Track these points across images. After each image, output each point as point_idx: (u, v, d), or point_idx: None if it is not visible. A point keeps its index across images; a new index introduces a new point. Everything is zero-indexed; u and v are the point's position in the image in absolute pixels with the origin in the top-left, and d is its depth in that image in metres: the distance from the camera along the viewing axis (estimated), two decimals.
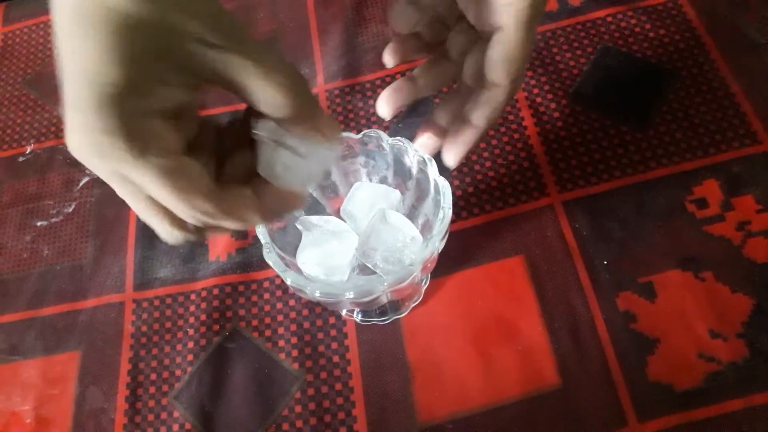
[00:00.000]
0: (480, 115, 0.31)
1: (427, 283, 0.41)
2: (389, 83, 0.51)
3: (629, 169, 0.44)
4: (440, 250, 0.34)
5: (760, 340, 0.37)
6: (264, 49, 0.24)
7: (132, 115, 0.22)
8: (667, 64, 0.48)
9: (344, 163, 0.39)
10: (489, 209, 0.44)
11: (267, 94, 0.24)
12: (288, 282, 0.32)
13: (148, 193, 0.23)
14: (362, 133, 0.36)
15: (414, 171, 0.38)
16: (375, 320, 0.41)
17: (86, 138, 0.22)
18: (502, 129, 0.47)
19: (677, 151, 0.44)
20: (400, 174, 0.39)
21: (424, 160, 0.36)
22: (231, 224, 0.25)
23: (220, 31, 0.22)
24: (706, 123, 0.45)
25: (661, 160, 0.44)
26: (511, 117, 0.47)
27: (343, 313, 0.42)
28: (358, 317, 0.41)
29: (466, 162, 0.46)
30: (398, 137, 0.36)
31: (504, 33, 0.28)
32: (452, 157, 0.32)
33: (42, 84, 0.57)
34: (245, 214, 0.26)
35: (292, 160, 0.26)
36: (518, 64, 0.29)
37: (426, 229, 0.38)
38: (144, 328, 0.43)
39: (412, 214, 0.40)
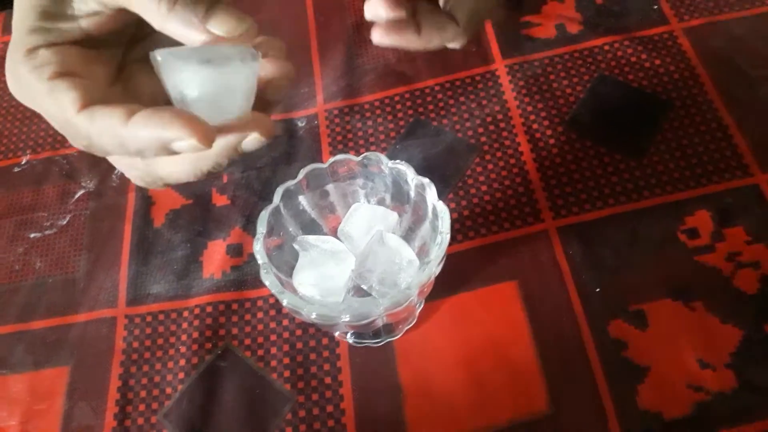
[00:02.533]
0: (427, 32, 0.31)
1: (421, 306, 0.42)
2: (388, 104, 0.51)
3: (623, 198, 0.44)
4: (437, 274, 0.34)
5: (749, 371, 0.37)
6: None
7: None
8: (662, 94, 0.48)
9: (343, 184, 0.39)
10: (484, 233, 0.44)
11: None
12: (284, 303, 0.32)
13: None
14: (362, 155, 0.37)
15: (412, 194, 0.38)
16: (368, 342, 0.41)
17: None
18: (498, 153, 0.48)
19: (670, 181, 0.44)
20: (399, 197, 0.39)
21: (422, 184, 0.36)
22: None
23: None
24: (699, 154, 0.45)
25: (654, 189, 0.44)
26: (507, 142, 0.48)
27: (337, 334, 0.42)
28: (351, 339, 0.41)
29: (462, 185, 0.47)
30: (398, 160, 0.37)
31: None
32: (378, 36, 0.32)
33: None
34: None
35: (205, 81, 0.23)
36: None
37: (422, 253, 0.39)
38: (135, 345, 0.43)
39: (409, 237, 0.40)
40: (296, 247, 0.38)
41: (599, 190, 0.45)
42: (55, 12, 0.25)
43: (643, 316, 0.40)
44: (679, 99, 0.48)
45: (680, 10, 0.53)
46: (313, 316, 0.32)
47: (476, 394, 0.39)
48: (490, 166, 0.47)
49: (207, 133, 0.22)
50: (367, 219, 0.39)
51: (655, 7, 0.53)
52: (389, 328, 0.41)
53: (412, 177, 0.36)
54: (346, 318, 0.32)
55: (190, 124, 0.22)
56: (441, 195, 0.45)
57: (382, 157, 0.36)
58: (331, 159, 0.37)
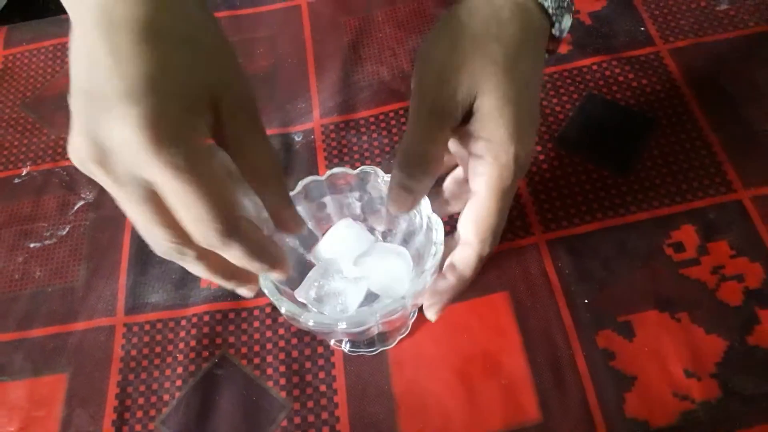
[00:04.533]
0: (452, 271, 0.34)
1: (415, 315, 0.43)
2: (383, 120, 0.53)
3: (610, 212, 0.46)
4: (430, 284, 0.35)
5: (733, 380, 0.39)
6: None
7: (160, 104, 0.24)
8: (648, 112, 0.50)
9: (339, 196, 0.40)
10: None
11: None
12: (282, 310, 0.33)
13: (163, 194, 0.24)
14: (359, 168, 0.38)
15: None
16: (363, 351, 0.42)
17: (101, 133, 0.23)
18: None
19: (656, 196, 0.46)
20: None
21: None
22: (241, 254, 0.27)
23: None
24: (684, 170, 0.47)
25: (641, 204, 0.46)
26: None
27: (332, 342, 0.43)
28: (346, 347, 0.42)
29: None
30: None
31: (477, 198, 0.32)
32: (431, 312, 0.36)
33: (40, 107, 0.58)
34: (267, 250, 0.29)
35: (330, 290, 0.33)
36: (487, 227, 0.33)
37: (416, 263, 0.40)
38: (133, 353, 0.44)
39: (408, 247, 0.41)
40: (311, 258, 0.39)
41: (588, 205, 0.46)
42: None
43: (630, 326, 0.41)
44: (665, 117, 0.50)
45: (666, 32, 0.54)
46: (311, 323, 0.32)
47: (468, 402, 0.40)
48: None
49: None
50: (339, 241, 0.40)
51: (642, 29, 0.55)
52: (383, 337, 0.41)
53: None
54: (342, 326, 0.32)
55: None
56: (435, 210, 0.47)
57: (378, 170, 0.38)
58: (329, 171, 0.38)
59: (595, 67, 0.53)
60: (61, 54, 0.62)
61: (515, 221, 0.46)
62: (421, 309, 0.42)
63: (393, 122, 0.53)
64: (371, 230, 0.41)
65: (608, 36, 0.55)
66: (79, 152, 0.24)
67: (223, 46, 0.28)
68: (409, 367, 0.41)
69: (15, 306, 0.47)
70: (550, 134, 0.50)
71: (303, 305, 0.36)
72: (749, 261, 0.42)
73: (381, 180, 0.38)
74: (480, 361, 0.41)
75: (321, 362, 0.42)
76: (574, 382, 0.39)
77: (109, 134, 0.23)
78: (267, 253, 0.29)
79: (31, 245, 0.50)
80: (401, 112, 0.53)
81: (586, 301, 0.42)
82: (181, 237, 0.26)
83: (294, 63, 0.58)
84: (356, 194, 0.40)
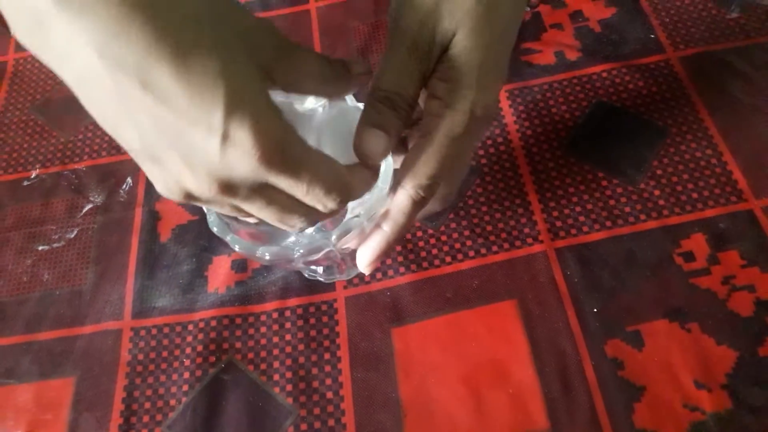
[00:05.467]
0: (384, 217, 0.32)
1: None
2: None
3: (620, 221, 0.45)
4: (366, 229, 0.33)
5: (743, 391, 0.38)
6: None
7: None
8: (659, 120, 0.50)
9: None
10: (484, 252, 0.45)
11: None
12: (236, 248, 0.33)
13: (284, 190, 0.25)
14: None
15: None
16: (317, 276, 0.43)
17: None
18: (499, 176, 0.49)
19: (666, 205, 0.46)
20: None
21: None
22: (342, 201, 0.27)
23: None
24: (694, 179, 0.47)
25: (650, 213, 0.45)
26: (507, 164, 0.49)
27: (306, 274, 0.44)
28: (306, 273, 0.43)
29: (463, 205, 0.48)
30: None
31: (422, 141, 0.30)
32: (363, 263, 0.33)
33: (50, 110, 0.59)
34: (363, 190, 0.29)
35: None
36: (425, 171, 0.30)
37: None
38: (140, 357, 0.44)
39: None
40: None
41: (597, 213, 0.46)
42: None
43: (639, 336, 0.41)
44: (675, 125, 0.49)
45: (676, 39, 0.54)
46: (267, 257, 0.32)
47: (476, 410, 0.40)
48: (491, 188, 0.48)
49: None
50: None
51: (652, 36, 0.55)
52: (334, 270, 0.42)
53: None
54: (265, 256, 0.32)
55: None
56: (441, 215, 0.47)
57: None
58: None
59: (605, 75, 0.53)
60: None
61: (524, 228, 0.46)
62: (428, 314, 0.42)
63: None
64: None
65: (618, 43, 0.55)
66: (194, 190, 0.24)
67: (242, 13, 0.26)
68: (416, 374, 0.41)
69: (23, 309, 0.47)
70: (560, 141, 0.50)
71: (256, 240, 0.35)
72: (760, 271, 0.42)
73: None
74: (488, 369, 0.41)
75: (328, 368, 0.42)
76: (582, 392, 0.39)
77: (222, 168, 0.23)
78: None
79: (40, 248, 0.50)
80: None
81: (595, 309, 0.42)
82: (308, 214, 0.27)
83: None
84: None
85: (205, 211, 0.34)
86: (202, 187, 0.24)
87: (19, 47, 0.64)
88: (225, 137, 0.22)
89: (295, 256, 0.32)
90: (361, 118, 0.30)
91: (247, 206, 0.26)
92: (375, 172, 0.30)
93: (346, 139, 0.30)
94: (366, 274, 0.34)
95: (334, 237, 0.32)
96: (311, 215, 0.27)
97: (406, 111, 0.30)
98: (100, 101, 0.22)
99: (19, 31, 0.21)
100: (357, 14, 0.61)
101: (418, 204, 0.31)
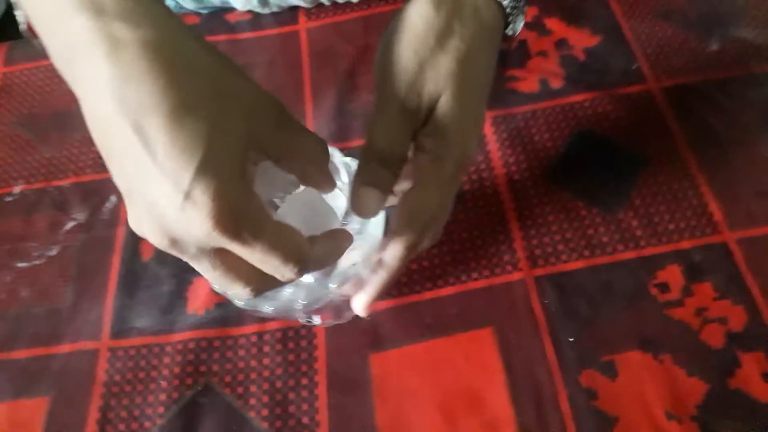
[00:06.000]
0: (380, 263, 0.34)
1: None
2: None
3: (598, 250, 0.46)
4: (364, 275, 0.35)
5: (713, 423, 0.39)
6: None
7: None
8: (638, 150, 0.51)
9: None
10: (464, 279, 0.46)
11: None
12: (239, 304, 0.34)
13: (238, 254, 0.25)
14: None
15: None
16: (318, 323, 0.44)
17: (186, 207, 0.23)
18: (480, 202, 0.49)
19: (643, 236, 0.46)
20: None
21: None
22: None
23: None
24: (671, 210, 0.47)
25: (628, 243, 0.46)
26: (489, 191, 0.50)
27: (303, 321, 0.44)
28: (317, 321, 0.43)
29: (445, 231, 0.48)
30: (350, 157, 0.37)
31: (413, 190, 0.32)
32: (359, 306, 0.36)
33: (35, 125, 0.59)
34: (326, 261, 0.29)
35: None
36: (418, 218, 0.32)
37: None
38: (117, 377, 0.44)
39: (361, 232, 0.41)
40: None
41: (576, 242, 0.46)
42: None
43: (613, 366, 0.41)
44: (655, 156, 0.50)
45: (657, 70, 0.55)
46: (271, 309, 0.33)
47: None
48: (472, 214, 0.49)
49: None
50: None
51: (635, 66, 0.56)
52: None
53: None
54: (269, 310, 0.33)
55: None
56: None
57: (337, 151, 0.37)
58: None
59: (587, 104, 0.54)
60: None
61: (503, 255, 0.46)
62: (406, 343, 0.42)
63: None
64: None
65: (601, 72, 0.56)
66: (148, 237, 0.25)
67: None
68: (392, 401, 0.41)
69: None
70: (541, 169, 0.50)
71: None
72: (732, 303, 0.43)
73: (337, 159, 0.37)
74: (463, 397, 0.41)
75: (305, 393, 0.42)
76: (556, 421, 0.39)
77: (177, 226, 0.23)
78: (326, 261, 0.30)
79: (19, 265, 0.50)
80: None
81: (571, 339, 0.42)
82: (259, 283, 0.27)
83: (291, 89, 0.58)
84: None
85: None
86: (155, 237, 0.24)
87: (7, 61, 0.64)
88: (187, 197, 0.22)
89: (299, 307, 0.33)
90: (355, 177, 0.32)
91: (194, 264, 0.26)
92: (340, 244, 0.30)
93: (311, 210, 0.32)
94: (364, 317, 0.36)
95: (333, 286, 0.33)
96: (265, 282, 0.27)
97: (398, 168, 0.32)
98: (102, 132, 0.24)
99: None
100: (346, 36, 0.61)
101: (411, 249, 0.33)
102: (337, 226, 0.31)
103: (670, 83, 0.54)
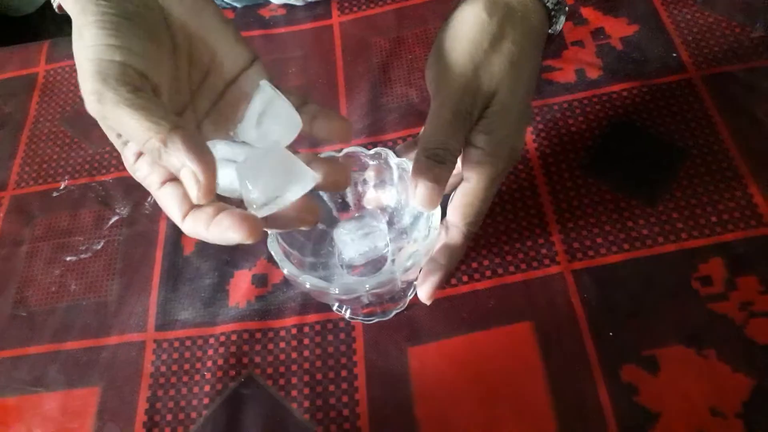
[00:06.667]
0: (442, 255, 0.38)
1: (413, 292, 0.45)
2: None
3: (638, 243, 0.45)
4: (422, 266, 0.39)
5: (759, 421, 0.38)
6: None
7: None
8: (679, 141, 0.50)
9: (354, 173, 0.43)
10: (501, 273, 0.46)
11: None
12: (284, 272, 0.36)
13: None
14: (373, 150, 0.40)
15: None
16: (360, 318, 0.45)
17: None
18: (517, 195, 0.49)
19: (685, 228, 0.46)
20: (403, 192, 0.42)
21: None
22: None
23: None
24: (713, 202, 0.46)
25: (668, 236, 0.45)
26: (525, 183, 0.50)
27: (334, 308, 0.45)
28: (346, 314, 0.45)
29: (481, 223, 0.48)
30: (404, 158, 0.40)
31: (468, 185, 0.36)
32: (423, 293, 0.39)
33: (79, 122, 0.60)
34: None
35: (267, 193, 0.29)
36: (475, 211, 0.36)
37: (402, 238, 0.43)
38: (163, 369, 0.45)
39: (409, 231, 0.43)
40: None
41: (615, 235, 0.46)
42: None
43: (655, 361, 0.41)
44: (696, 147, 0.49)
45: (698, 59, 0.54)
46: (308, 285, 0.35)
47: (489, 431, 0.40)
48: (509, 207, 0.49)
49: (257, 234, 0.27)
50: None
51: (674, 55, 0.55)
52: (383, 310, 0.45)
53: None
54: (335, 291, 0.35)
55: (245, 229, 0.26)
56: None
57: (390, 153, 0.40)
58: (344, 150, 0.40)
59: (625, 94, 0.53)
60: None
61: (541, 249, 0.46)
62: (445, 337, 0.43)
63: None
64: (382, 208, 0.44)
65: (639, 62, 0.55)
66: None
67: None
68: (432, 394, 0.42)
69: (51, 318, 0.49)
70: (578, 161, 0.50)
71: (302, 268, 0.39)
72: None
73: (393, 160, 0.40)
74: (503, 392, 0.41)
75: (344, 386, 0.43)
76: (596, 417, 0.39)
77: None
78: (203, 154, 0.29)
79: (68, 258, 0.52)
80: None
81: (611, 333, 0.42)
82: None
83: (324, 83, 0.59)
84: (370, 173, 0.42)
85: (269, 233, 0.36)
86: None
87: (50, 59, 0.65)
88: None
89: (330, 291, 0.35)
90: (414, 173, 0.34)
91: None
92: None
93: (280, 165, 0.30)
94: (427, 304, 0.40)
95: (368, 286, 0.35)
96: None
97: (453, 164, 0.34)
98: None
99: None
100: (379, 30, 0.61)
101: (468, 238, 0.38)
102: (308, 187, 0.30)
103: (711, 72, 0.53)
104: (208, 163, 0.26)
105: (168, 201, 0.28)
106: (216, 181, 0.27)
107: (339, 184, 0.32)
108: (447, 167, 0.34)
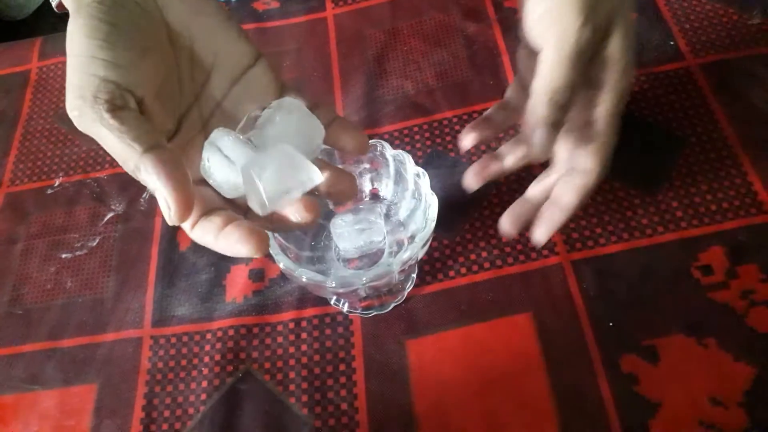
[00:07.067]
0: (572, 198, 0.37)
1: (412, 284, 0.45)
2: (407, 135, 0.53)
3: (637, 232, 0.45)
4: (420, 257, 0.38)
5: (760, 410, 0.38)
6: None
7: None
8: (678, 130, 0.49)
9: (350, 166, 0.43)
10: (499, 264, 0.45)
11: None
12: (281, 266, 0.36)
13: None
14: (369, 142, 0.39)
15: (411, 182, 0.41)
16: (358, 312, 0.45)
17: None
18: (515, 186, 0.49)
19: (684, 217, 0.45)
20: (400, 182, 0.43)
21: (419, 174, 0.40)
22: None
23: None
24: (713, 190, 0.46)
25: (668, 225, 0.45)
26: (523, 173, 0.49)
27: (332, 302, 0.45)
28: (344, 307, 0.45)
29: (479, 216, 0.48)
30: (399, 150, 0.40)
31: (597, 127, 0.35)
32: (543, 234, 0.38)
33: None
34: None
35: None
36: (607, 152, 0.36)
37: (412, 237, 0.43)
38: (160, 365, 0.45)
39: (406, 222, 0.43)
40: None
41: (614, 225, 0.46)
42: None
43: (655, 351, 0.40)
44: (694, 135, 0.49)
45: (696, 47, 0.53)
46: (304, 279, 0.35)
47: (489, 425, 0.40)
48: (506, 198, 0.48)
49: (265, 248, 0.27)
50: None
51: (672, 43, 0.54)
52: (380, 303, 0.45)
53: (410, 166, 0.40)
54: (331, 284, 0.35)
55: (253, 243, 0.27)
56: (457, 226, 0.47)
57: (387, 145, 0.40)
58: None
59: None
60: None
61: None
62: (443, 329, 0.42)
63: (417, 137, 0.53)
64: (378, 199, 0.44)
65: (637, 50, 0.54)
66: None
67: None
68: (430, 387, 0.41)
69: (47, 316, 0.48)
70: None
71: (299, 262, 0.39)
72: None
73: (388, 153, 0.41)
74: (502, 383, 0.41)
75: (342, 380, 0.43)
76: (597, 407, 0.39)
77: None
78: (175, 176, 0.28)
79: (63, 255, 0.51)
80: (425, 126, 0.54)
81: (611, 323, 0.42)
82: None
83: (319, 76, 0.58)
84: (366, 165, 0.42)
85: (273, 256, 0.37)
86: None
87: (42, 56, 0.65)
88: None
89: (327, 285, 0.35)
90: (529, 116, 0.34)
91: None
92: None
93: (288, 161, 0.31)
94: (540, 245, 0.39)
95: (365, 279, 0.35)
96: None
97: (569, 106, 0.34)
98: None
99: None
100: (373, 22, 0.61)
101: (599, 181, 0.36)
102: (315, 183, 0.30)
103: (709, 60, 0.53)
104: (179, 186, 0.26)
105: None
106: (191, 201, 0.26)
107: (346, 194, 0.33)
108: (562, 110, 0.33)
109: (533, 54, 0.34)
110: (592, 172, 0.36)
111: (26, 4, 1.06)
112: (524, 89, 0.37)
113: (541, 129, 0.33)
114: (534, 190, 0.40)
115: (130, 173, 0.27)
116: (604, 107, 0.35)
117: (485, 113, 0.40)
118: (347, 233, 0.40)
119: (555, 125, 0.33)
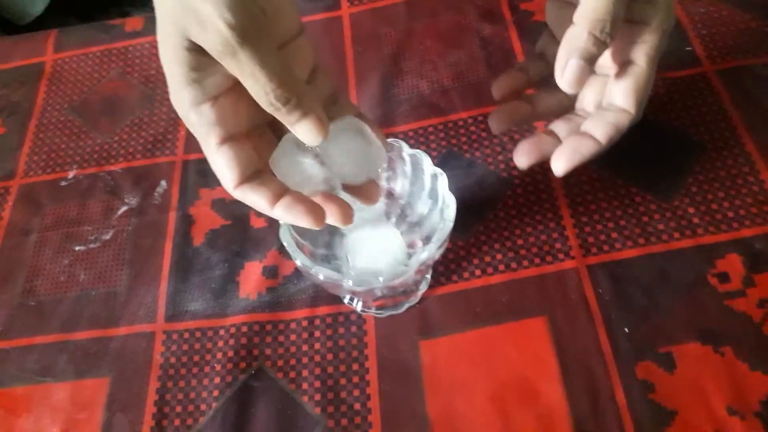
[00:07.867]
0: (604, 132, 0.35)
1: (427, 285, 0.45)
2: (422, 135, 0.53)
3: (653, 238, 0.45)
4: (436, 258, 0.38)
5: None
6: None
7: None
8: (694, 135, 0.49)
9: None
10: (514, 267, 0.45)
11: None
12: (297, 263, 0.36)
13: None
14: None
15: (428, 182, 0.41)
16: (372, 312, 0.45)
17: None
18: (530, 188, 0.48)
19: (701, 224, 0.45)
20: (416, 183, 0.42)
21: (436, 174, 0.40)
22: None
23: None
24: (730, 197, 0.46)
25: (684, 231, 0.45)
26: (539, 177, 0.49)
27: (345, 301, 0.45)
28: (358, 306, 0.45)
29: (494, 218, 0.48)
30: (416, 150, 0.40)
31: (637, 66, 0.34)
32: (563, 163, 0.35)
33: (87, 111, 0.60)
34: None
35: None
36: (645, 94, 0.35)
37: (429, 237, 0.42)
38: (173, 360, 0.45)
39: (421, 222, 0.43)
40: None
41: (630, 230, 0.45)
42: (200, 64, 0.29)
43: (671, 358, 0.40)
44: (711, 141, 0.49)
45: (713, 53, 0.53)
46: (321, 276, 0.35)
47: (503, 429, 0.40)
48: (522, 200, 0.48)
49: (320, 221, 0.31)
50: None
51: (689, 48, 0.54)
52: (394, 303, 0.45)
53: (427, 167, 0.40)
54: (348, 283, 0.35)
55: (314, 217, 0.31)
56: (472, 227, 0.47)
57: (404, 144, 0.40)
58: None
59: None
60: (107, 60, 0.63)
61: (555, 243, 0.46)
62: (457, 331, 0.42)
63: (432, 137, 0.53)
64: (393, 198, 0.44)
65: None
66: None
67: None
68: (444, 390, 0.41)
69: (60, 308, 0.48)
70: None
71: (314, 259, 0.40)
72: None
73: (405, 153, 0.41)
74: (516, 388, 0.41)
75: (356, 379, 0.42)
76: (612, 414, 0.39)
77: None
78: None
79: (77, 248, 0.51)
80: (440, 127, 0.53)
81: (627, 330, 0.42)
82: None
83: (335, 75, 0.58)
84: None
85: (281, 223, 0.37)
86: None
87: (57, 48, 0.65)
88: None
89: (344, 284, 0.35)
90: (565, 47, 0.32)
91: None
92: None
93: (357, 141, 0.33)
94: (559, 174, 0.35)
95: (381, 279, 0.35)
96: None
97: (609, 41, 0.32)
98: None
99: None
100: (389, 21, 0.61)
101: (635, 122, 0.35)
102: (382, 163, 0.34)
103: (726, 66, 0.52)
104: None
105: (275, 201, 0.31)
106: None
107: (370, 199, 0.36)
108: (603, 45, 0.32)
109: (565, 4, 0.34)
110: (628, 112, 0.34)
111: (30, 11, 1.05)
112: (555, 40, 0.36)
113: (576, 60, 0.32)
114: (557, 126, 0.37)
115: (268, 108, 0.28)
116: (646, 47, 0.33)
117: (518, 64, 0.39)
118: (362, 251, 0.41)
119: (590, 60, 0.32)
